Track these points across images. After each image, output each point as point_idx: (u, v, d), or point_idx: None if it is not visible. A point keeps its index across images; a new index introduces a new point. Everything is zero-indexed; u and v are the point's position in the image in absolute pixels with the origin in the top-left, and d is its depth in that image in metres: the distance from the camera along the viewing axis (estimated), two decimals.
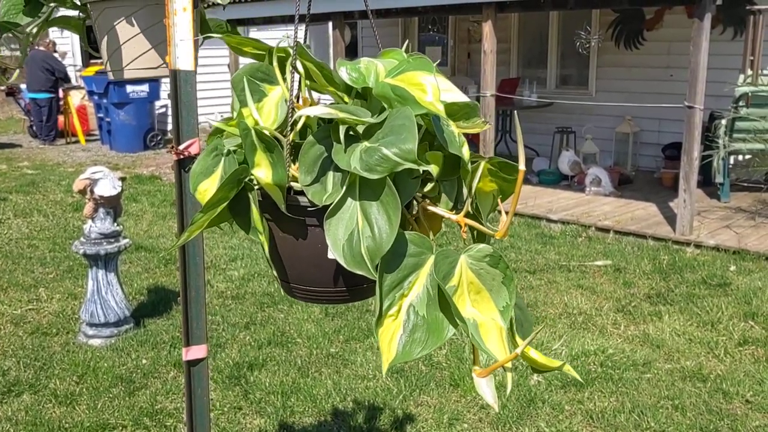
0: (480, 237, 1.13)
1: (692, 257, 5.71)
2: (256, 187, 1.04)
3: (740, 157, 7.67)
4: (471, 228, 1.08)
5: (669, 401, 3.49)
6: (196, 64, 1.25)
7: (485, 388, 1.02)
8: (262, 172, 0.99)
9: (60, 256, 5.77)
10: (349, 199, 0.96)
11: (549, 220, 6.75)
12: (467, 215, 1.04)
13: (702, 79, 5.82)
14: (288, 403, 3.49)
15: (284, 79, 1.08)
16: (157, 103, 11.54)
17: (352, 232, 0.95)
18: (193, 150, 1.28)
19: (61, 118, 11.95)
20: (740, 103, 6.63)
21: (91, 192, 3.94)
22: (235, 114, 1.08)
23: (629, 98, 8.36)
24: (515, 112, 1.12)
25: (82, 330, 4.14)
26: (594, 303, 4.81)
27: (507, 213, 1.01)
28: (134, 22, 1.47)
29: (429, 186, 1.05)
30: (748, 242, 5.81)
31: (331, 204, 0.96)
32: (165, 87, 11.88)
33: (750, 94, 6.23)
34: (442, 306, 0.96)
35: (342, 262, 0.96)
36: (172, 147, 1.28)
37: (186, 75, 1.26)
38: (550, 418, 3.37)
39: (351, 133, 0.97)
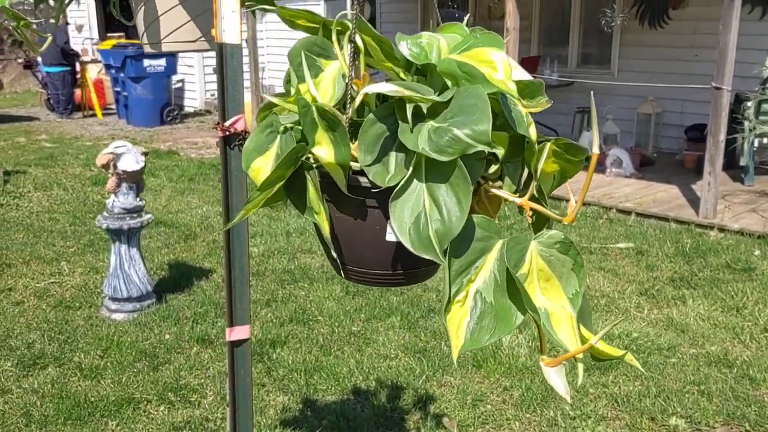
0: (539, 220, 1.09)
1: (716, 241, 5.64)
2: (315, 166, 1.01)
3: (765, 140, 7.55)
4: (534, 212, 1.05)
5: (695, 386, 3.46)
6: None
7: (555, 379, 0.99)
8: (323, 150, 0.95)
9: (81, 230, 5.79)
10: (415, 181, 0.92)
11: (567, 200, 6.67)
12: (532, 198, 1.01)
13: (731, 60, 5.71)
14: (311, 381, 3.49)
15: (342, 54, 1.04)
16: (174, 78, 11.50)
17: (419, 214, 0.91)
18: (239, 126, 1.24)
19: (78, 92, 11.94)
20: (766, 86, 6.51)
21: (114, 167, 3.93)
22: (292, 89, 1.05)
23: (652, 78, 8.24)
24: (591, 92, 1.07)
25: (105, 304, 4.15)
26: (617, 286, 4.77)
27: (574, 197, 0.97)
28: None
29: (493, 167, 1.01)
30: None
31: (397, 186, 0.92)
32: (182, 62, 11.83)
33: None
34: (510, 293, 0.93)
35: (408, 245, 0.92)
36: (218, 123, 1.25)
37: (233, 49, 1.22)
38: (574, 401, 3.35)
39: (414, 111, 0.93)
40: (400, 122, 0.93)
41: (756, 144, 7.31)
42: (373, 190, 0.95)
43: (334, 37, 1.06)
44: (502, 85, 0.92)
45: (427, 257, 0.92)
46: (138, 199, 4.06)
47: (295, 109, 1.02)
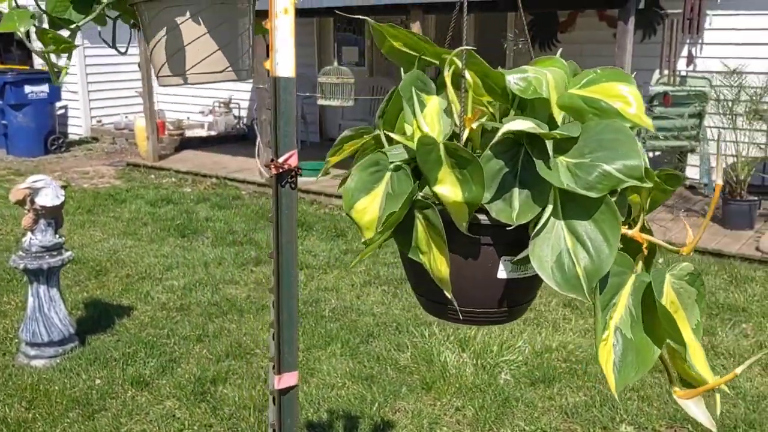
0: (632, 250, 1.09)
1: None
2: (435, 204, 0.97)
3: (650, 154, 8.09)
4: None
5: (635, 393, 3.61)
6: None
7: (696, 410, 0.99)
8: (446, 189, 0.92)
9: None
10: (552, 218, 0.91)
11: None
12: (642, 230, 1.02)
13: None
14: (262, 418, 3.36)
15: (449, 89, 1.01)
16: (58, 104, 10.87)
17: (561, 253, 0.90)
18: (292, 162, 1.18)
19: None
20: (655, 103, 6.99)
21: (32, 202, 3.65)
22: (408, 127, 1.01)
23: None
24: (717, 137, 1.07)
25: (22, 350, 3.83)
26: (540, 299, 4.92)
27: (690, 228, 0.99)
28: (200, 21, 1.35)
29: None
30: (670, 235, 6.12)
31: (538, 224, 0.91)
32: (66, 87, 11.22)
33: (670, 93, 6.57)
34: (645, 327, 0.93)
35: (552, 284, 0.91)
36: (272, 160, 1.18)
37: (286, 82, 1.17)
38: (526, 416, 3.42)
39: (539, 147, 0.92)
40: (535, 159, 0.91)
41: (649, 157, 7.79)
42: (507, 228, 0.93)
43: (447, 72, 1.03)
44: (637, 120, 0.93)
45: (573, 296, 0.91)
46: (57, 235, 3.79)
47: (410, 145, 0.98)
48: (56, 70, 1.40)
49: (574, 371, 3.83)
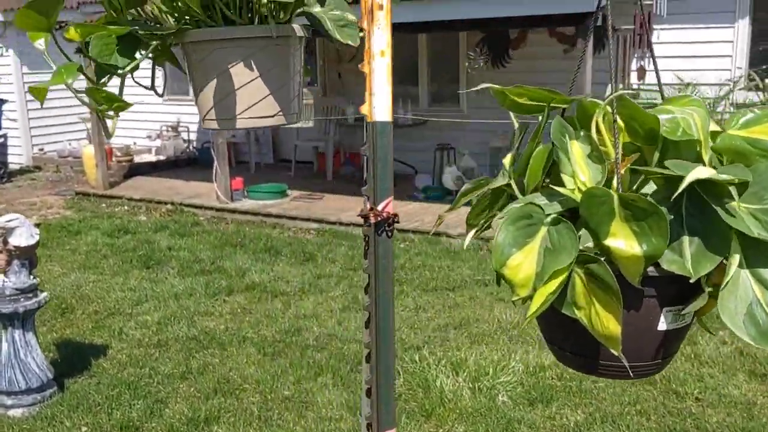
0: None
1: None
2: (602, 259, 0.93)
3: None
4: None
5: (632, 407, 3.65)
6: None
7: None
8: (621, 242, 0.88)
9: None
10: (736, 268, 0.88)
11: (449, 236, 6.87)
12: None
13: (589, 95, 6.20)
14: None
15: (587, 134, 0.98)
16: None
17: (750, 304, 0.87)
18: (390, 210, 1.13)
19: None
20: None
21: (5, 242, 3.45)
22: (566, 178, 0.96)
23: (500, 114, 8.75)
24: None
25: None
26: (521, 315, 4.94)
27: None
28: (253, 64, 1.28)
29: None
30: None
31: (726, 275, 0.87)
32: (6, 114, 10.78)
33: None
34: None
35: (745, 337, 0.88)
36: (370, 209, 1.12)
37: (383, 127, 1.11)
38: None
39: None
40: (716, 207, 0.88)
41: None
42: (690, 281, 0.89)
43: (599, 119, 0.99)
44: None
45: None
46: (32, 276, 3.60)
47: (573, 196, 0.94)
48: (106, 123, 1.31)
49: (570, 389, 3.84)
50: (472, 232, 1.21)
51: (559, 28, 8.37)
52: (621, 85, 7.08)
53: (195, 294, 5.42)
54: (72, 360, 4.22)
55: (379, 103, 1.10)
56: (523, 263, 0.97)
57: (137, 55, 1.25)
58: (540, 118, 1.09)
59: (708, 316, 1.21)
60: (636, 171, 0.99)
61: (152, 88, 1.54)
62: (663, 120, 0.97)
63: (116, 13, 1.28)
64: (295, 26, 1.27)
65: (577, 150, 0.99)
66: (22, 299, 3.52)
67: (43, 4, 1.15)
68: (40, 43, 1.25)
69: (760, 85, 7.09)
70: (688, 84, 6.77)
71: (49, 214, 8.44)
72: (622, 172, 0.96)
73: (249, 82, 1.30)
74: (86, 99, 1.27)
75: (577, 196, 0.94)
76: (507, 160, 1.12)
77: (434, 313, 5.02)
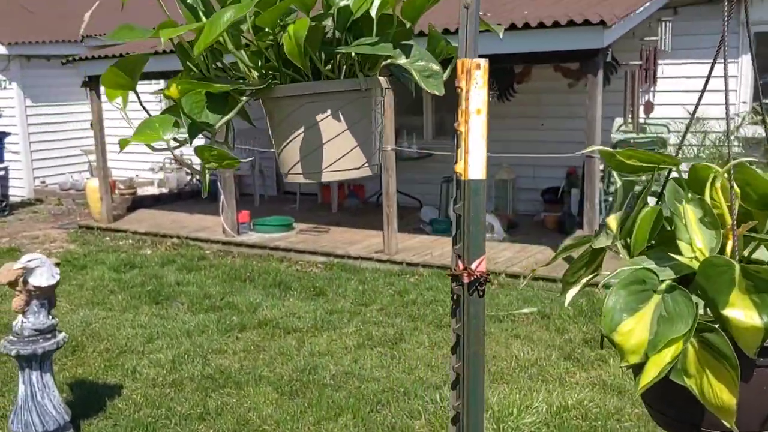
0: None
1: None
2: (718, 327, 0.91)
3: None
4: None
5: None
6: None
7: None
8: (740, 313, 0.86)
9: None
10: None
11: None
12: None
13: (599, 130, 6.24)
14: None
15: (699, 198, 0.96)
16: None
17: None
18: (482, 269, 1.11)
19: None
20: (617, 149, 7.18)
21: (25, 283, 3.41)
22: (684, 246, 0.94)
23: (505, 147, 8.78)
24: None
25: None
26: (539, 353, 4.90)
27: None
28: (341, 118, 1.27)
29: None
30: None
31: None
32: (8, 147, 10.75)
33: (632, 141, 6.77)
34: None
35: None
36: (465, 268, 1.10)
37: (476, 185, 1.10)
38: None
39: None
40: None
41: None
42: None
43: (715, 184, 0.98)
44: None
45: None
46: (50, 317, 3.54)
47: (691, 264, 0.92)
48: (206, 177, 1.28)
49: (596, 429, 3.78)
50: (573, 290, 1.19)
51: (563, 63, 8.43)
52: (630, 119, 7.12)
53: (207, 331, 5.36)
54: (86, 400, 4.15)
55: (475, 162, 1.08)
56: (635, 329, 0.95)
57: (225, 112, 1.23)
58: (645, 178, 1.08)
59: None
60: (749, 237, 0.97)
61: (225, 142, 1.52)
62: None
63: (196, 68, 1.26)
64: (381, 79, 1.26)
65: (691, 215, 0.97)
66: (41, 340, 3.46)
67: (129, 63, 1.14)
68: (118, 102, 1.23)
69: (766, 119, 7.14)
70: (697, 118, 6.81)
71: (52, 247, 8.37)
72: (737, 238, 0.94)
73: (337, 136, 1.29)
74: (177, 153, 1.24)
75: (695, 264, 0.93)
76: (613, 221, 1.10)
77: (450, 350, 4.96)
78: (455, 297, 1.13)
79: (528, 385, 4.34)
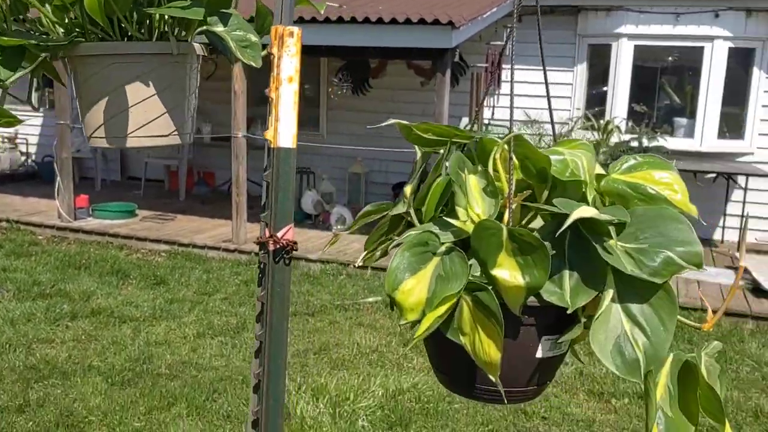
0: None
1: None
2: (490, 288, 0.96)
3: None
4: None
5: (485, 427, 3.79)
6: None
7: None
8: (506, 273, 0.92)
9: None
10: (608, 302, 0.94)
11: (308, 260, 6.85)
12: None
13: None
14: None
15: (484, 169, 1.01)
16: None
17: (618, 337, 0.93)
18: (289, 237, 1.11)
19: None
20: None
21: None
22: (460, 210, 0.98)
23: (358, 140, 8.90)
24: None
25: None
26: (380, 339, 5.01)
27: (711, 307, 1.07)
28: (150, 82, 1.23)
29: None
30: None
31: (598, 308, 0.93)
32: None
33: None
34: (680, 405, 0.98)
35: (612, 368, 0.93)
36: (270, 236, 1.10)
37: (286, 153, 1.10)
38: None
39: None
40: (594, 244, 0.94)
41: None
42: (568, 312, 0.93)
43: (496, 155, 1.02)
44: (684, 206, 0.99)
45: (631, 380, 0.94)
46: None
47: (465, 228, 0.96)
48: None
49: (427, 411, 3.93)
50: (365, 253, 1.22)
51: (416, 61, 8.67)
52: (475, 120, 7.44)
53: (33, 319, 5.02)
54: None
55: (285, 130, 1.09)
56: (414, 288, 1.00)
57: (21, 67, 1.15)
58: (442, 151, 1.13)
59: (580, 345, 1.30)
60: (527, 207, 1.05)
61: (28, 101, 1.43)
62: (554, 161, 1.04)
63: None
64: (195, 44, 1.24)
65: (473, 183, 1.03)
66: None
67: None
68: None
69: (595, 126, 7.73)
70: (534, 121, 7.24)
71: None
72: (514, 207, 1.01)
73: (144, 100, 1.25)
74: (11, 131, 1.15)
75: (470, 228, 0.99)
76: (408, 189, 1.14)
77: (294, 338, 4.97)
78: (262, 266, 1.13)
79: (367, 370, 4.43)
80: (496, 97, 8.59)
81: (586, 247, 0.97)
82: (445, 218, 1.02)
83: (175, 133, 1.30)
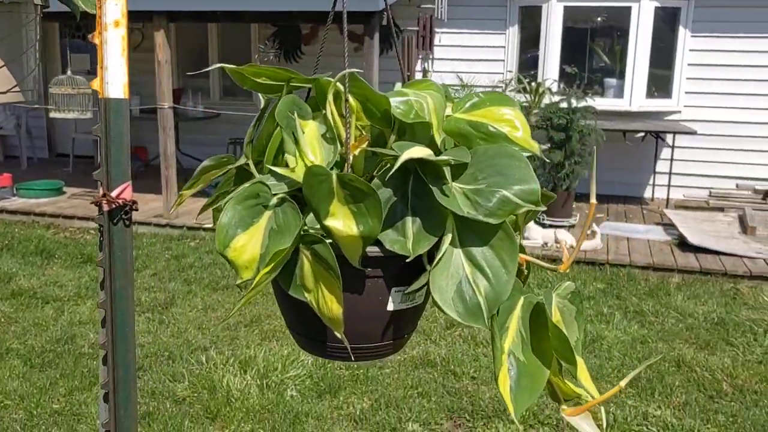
0: None
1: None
2: (328, 241, 0.90)
3: None
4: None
5: (414, 390, 3.79)
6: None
7: (586, 427, 1.00)
8: (339, 222, 0.86)
9: None
10: (449, 247, 0.89)
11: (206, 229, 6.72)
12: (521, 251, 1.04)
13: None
14: None
15: (324, 113, 0.95)
16: None
17: (460, 282, 0.88)
18: (126, 196, 1.03)
19: None
20: None
21: None
22: (289, 158, 0.91)
23: None
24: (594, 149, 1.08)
25: None
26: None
27: (571, 247, 1.04)
28: None
29: None
30: None
31: (437, 253, 0.88)
32: None
33: None
34: (533, 348, 0.95)
35: (454, 315, 0.89)
36: (103, 195, 1.02)
37: (118, 104, 1.01)
38: (317, 429, 3.42)
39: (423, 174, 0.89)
40: (433, 187, 0.88)
41: None
42: (408, 260, 0.89)
43: (330, 97, 0.96)
44: (525, 144, 0.95)
45: (475, 326, 0.90)
46: None
47: (294, 176, 0.90)
48: None
49: (357, 377, 3.91)
50: (211, 211, 1.15)
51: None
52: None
53: None
54: None
55: (113, 78, 1.00)
56: (247, 245, 0.93)
57: None
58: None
59: None
60: (378, 154, 0.99)
61: None
62: (397, 102, 0.98)
63: None
64: None
65: (311, 130, 0.97)
66: None
67: None
68: None
69: (527, 88, 7.74)
70: (465, 85, 7.21)
71: None
72: (356, 153, 0.95)
73: None
74: None
75: (300, 176, 0.93)
76: (246, 138, 1.07)
77: (224, 312, 4.88)
78: (101, 228, 1.06)
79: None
80: (430, 61, 8.53)
81: (426, 192, 0.92)
82: (271, 167, 0.95)
83: (16, 89, 1.20)
